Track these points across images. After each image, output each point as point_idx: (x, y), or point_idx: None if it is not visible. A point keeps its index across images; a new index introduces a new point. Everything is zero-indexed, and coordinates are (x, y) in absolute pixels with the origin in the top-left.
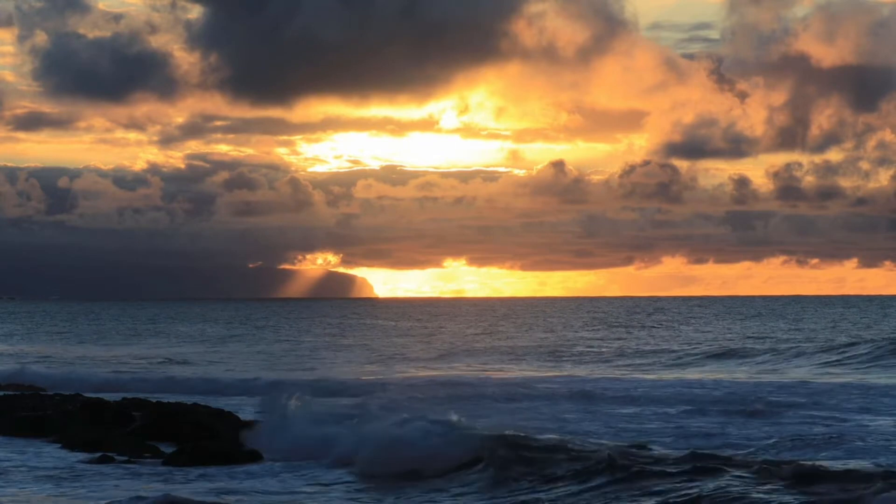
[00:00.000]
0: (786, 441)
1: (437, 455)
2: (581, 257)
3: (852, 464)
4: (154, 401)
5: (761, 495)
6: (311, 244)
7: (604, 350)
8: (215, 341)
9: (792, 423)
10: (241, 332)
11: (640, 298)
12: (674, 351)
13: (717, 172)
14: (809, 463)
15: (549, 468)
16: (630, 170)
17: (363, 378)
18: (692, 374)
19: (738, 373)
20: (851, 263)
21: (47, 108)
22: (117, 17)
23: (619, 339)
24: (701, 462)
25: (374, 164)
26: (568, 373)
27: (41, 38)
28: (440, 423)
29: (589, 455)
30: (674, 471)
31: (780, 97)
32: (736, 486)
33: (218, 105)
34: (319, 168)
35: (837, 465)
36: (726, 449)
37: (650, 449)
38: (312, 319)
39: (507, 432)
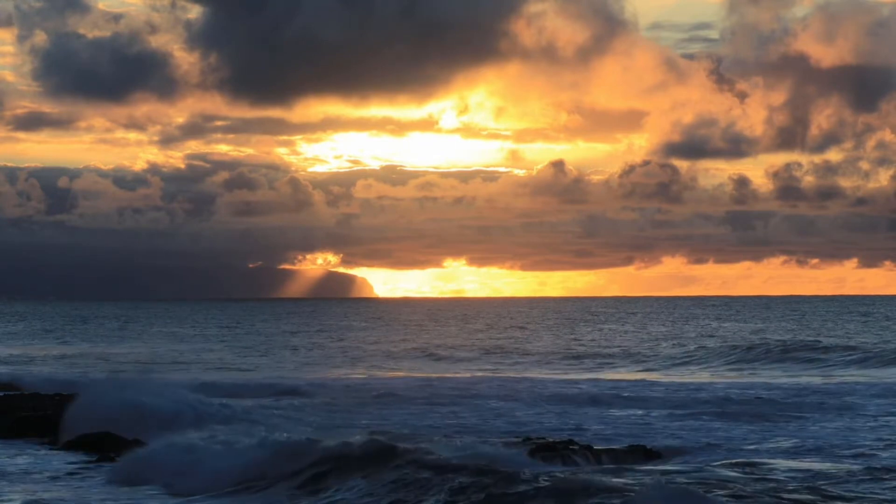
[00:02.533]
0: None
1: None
2: (581, 257)
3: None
4: None
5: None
6: (311, 244)
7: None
8: (196, 340)
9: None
10: (216, 331)
11: (640, 298)
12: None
13: (717, 172)
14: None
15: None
16: (630, 170)
17: (303, 379)
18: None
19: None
20: (851, 263)
21: (47, 108)
22: (117, 17)
23: (573, 338)
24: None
25: (374, 164)
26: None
27: (41, 38)
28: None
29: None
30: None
31: (779, 97)
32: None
33: (218, 105)
34: (319, 168)
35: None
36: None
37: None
38: (294, 319)
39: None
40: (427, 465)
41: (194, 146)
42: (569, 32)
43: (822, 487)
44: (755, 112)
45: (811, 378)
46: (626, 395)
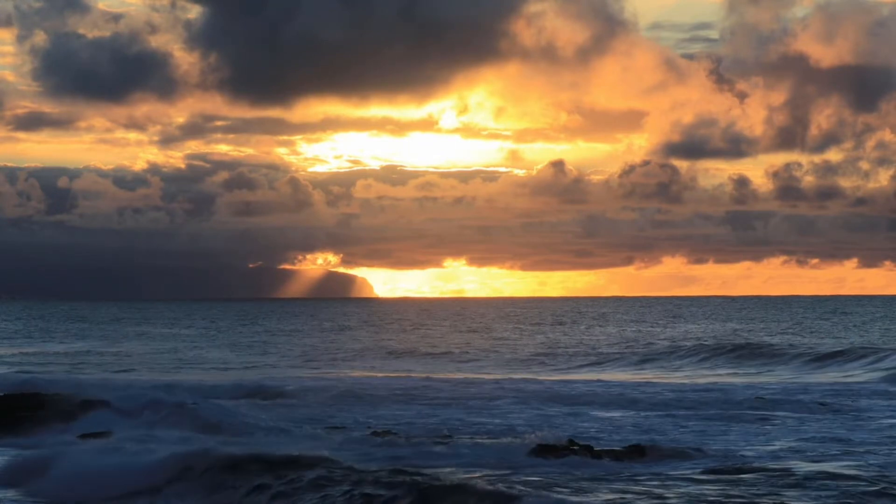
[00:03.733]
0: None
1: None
2: (581, 257)
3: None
4: None
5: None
6: (311, 244)
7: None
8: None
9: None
10: (215, 332)
11: (640, 298)
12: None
13: (716, 172)
14: None
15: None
16: (630, 170)
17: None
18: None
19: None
20: (851, 263)
21: (47, 108)
22: (117, 17)
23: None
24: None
25: (374, 164)
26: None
27: (41, 38)
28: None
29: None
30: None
31: (779, 97)
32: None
33: (218, 105)
34: (319, 168)
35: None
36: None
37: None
38: (294, 319)
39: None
40: (344, 468)
41: (194, 146)
42: (569, 32)
43: (822, 488)
44: (755, 112)
45: (810, 378)
46: (625, 395)
